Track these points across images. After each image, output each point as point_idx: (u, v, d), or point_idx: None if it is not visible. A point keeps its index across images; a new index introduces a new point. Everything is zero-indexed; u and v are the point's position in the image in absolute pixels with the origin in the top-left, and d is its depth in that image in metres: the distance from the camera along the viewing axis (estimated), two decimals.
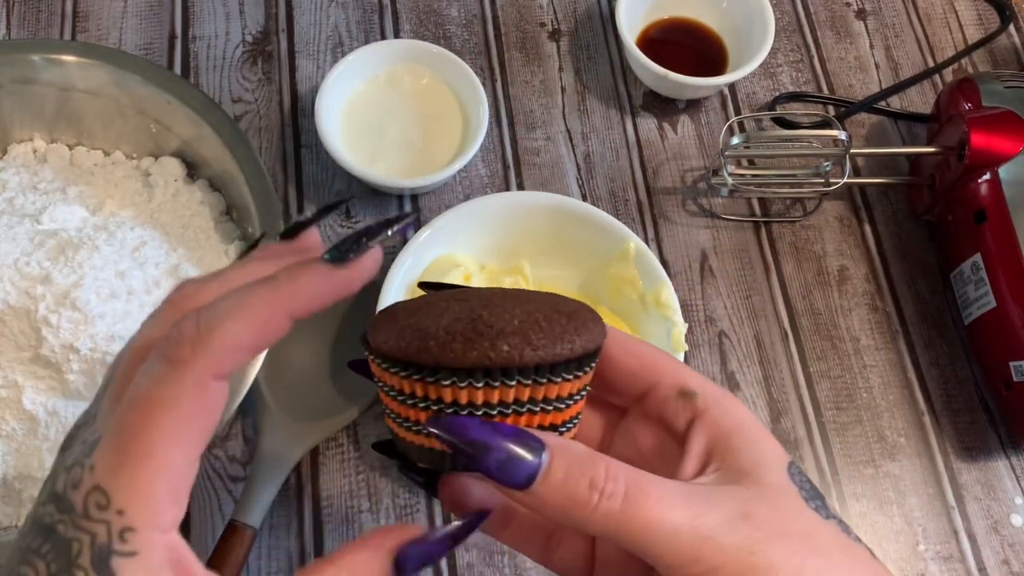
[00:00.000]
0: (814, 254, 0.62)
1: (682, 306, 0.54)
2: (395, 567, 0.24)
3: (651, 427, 0.28)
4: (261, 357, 0.45)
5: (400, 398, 0.25)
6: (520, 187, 0.62)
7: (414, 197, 0.60)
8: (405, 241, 0.51)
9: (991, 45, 0.70)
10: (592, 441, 0.30)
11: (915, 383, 0.58)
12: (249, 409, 0.53)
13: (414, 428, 0.25)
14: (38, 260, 0.47)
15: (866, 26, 0.70)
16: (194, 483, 0.22)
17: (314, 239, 0.25)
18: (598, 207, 0.56)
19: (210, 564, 0.47)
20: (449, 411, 0.24)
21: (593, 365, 0.26)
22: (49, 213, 0.50)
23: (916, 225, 0.63)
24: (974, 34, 0.71)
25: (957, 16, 0.71)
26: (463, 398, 0.24)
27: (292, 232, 0.25)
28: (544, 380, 0.24)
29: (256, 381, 0.45)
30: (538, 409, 0.25)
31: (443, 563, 0.51)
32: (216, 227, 0.53)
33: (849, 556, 0.24)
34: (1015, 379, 0.53)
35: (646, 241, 0.60)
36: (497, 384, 0.24)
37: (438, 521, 0.52)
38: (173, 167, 0.54)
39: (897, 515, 0.55)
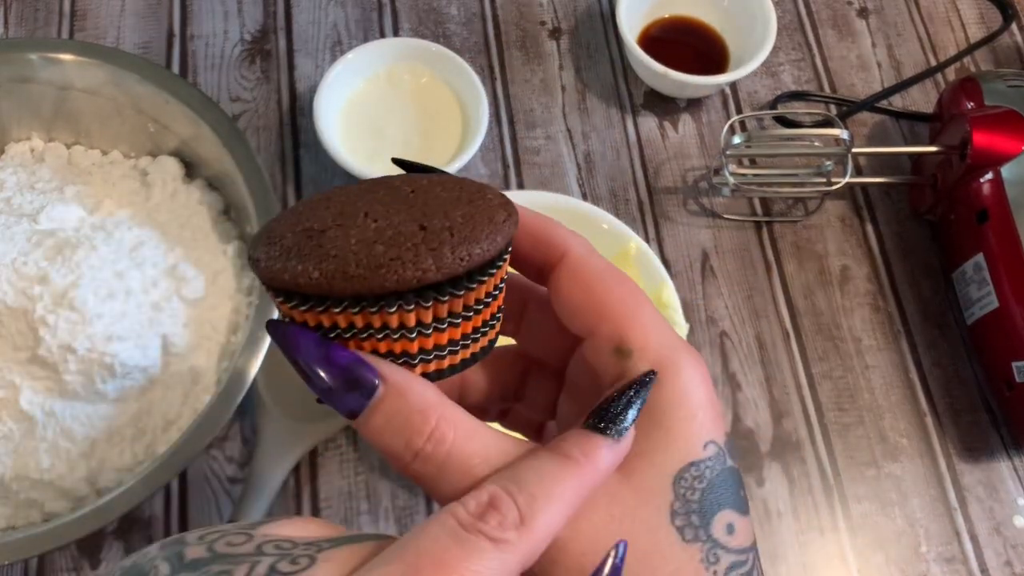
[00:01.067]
0: (816, 254, 0.61)
1: (683, 306, 0.53)
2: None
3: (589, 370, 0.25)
4: (260, 356, 0.45)
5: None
6: (520, 186, 0.61)
7: None
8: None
9: (993, 44, 0.70)
10: (554, 353, 0.27)
11: (917, 384, 0.58)
12: (248, 410, 0.52)
13: None
14: (36, 260, 0.46)
15: (868, 25, 0.70)
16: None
17: None
18: (599, 206, 0.56)
19: None
20: (276, 318, 0.22)
21: (502, 263, 0.23)
22: (47, 213, 0.50)
23: (918, 225, 0.63)
24: (976, 33, 0.71)
25: (959, 15, 0.71)
26: (341, 322, 0.22)
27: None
28: (428, 304, 0.21)
29: (255, 382, 0.45)
30: (429, 331, 0.22)
31: None
32: (214, 227, 0.53)
33: None
34: (1017, 379, 0.53)
35: (647, 241, 0.60)
36: (357, 310, 0.21)
37: None
38: (171, 166, 0.54)
39: (899, 516, 0.54)
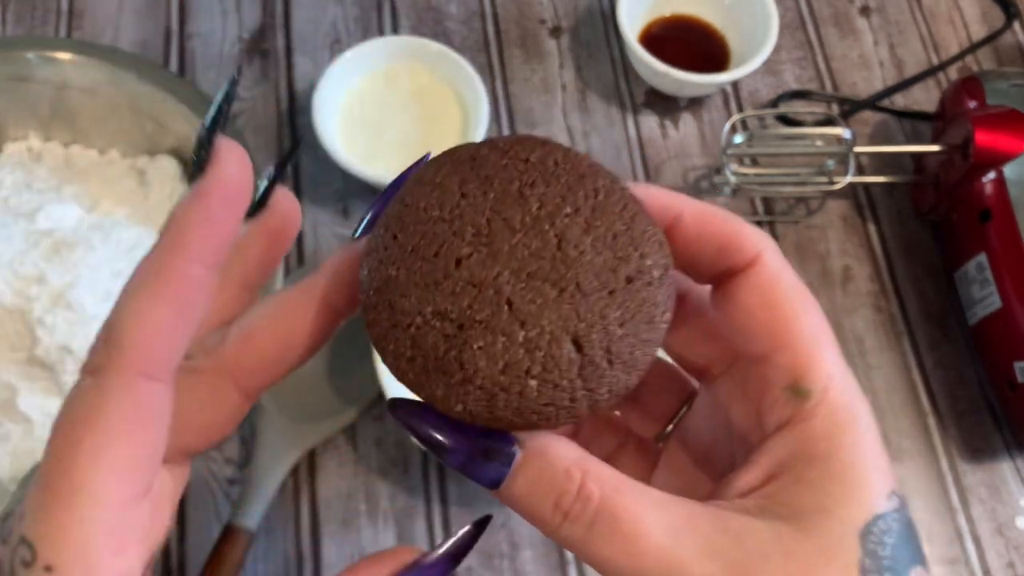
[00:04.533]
0: (818, 254, 0.61)
1: None
2: None
3: (748, 404, 0.22)
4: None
5: None
6: None
7: None
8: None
9: (996, 43, 0.70)
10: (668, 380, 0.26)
11: (919, 384, 0.58)
12: None
13: None
14: (33, 260, 0.46)
15: (870, 23, 0.70)
16: (165, 530, 0.19)
17: (230, 158, 0.19)
18: None
19: (207, 567, 0.47)
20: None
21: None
22: (44, 212, 0.49)
23: (921, 224, 0.63)
24: (978, 31, 0.70)
25: (961, 13, 0.71)
26: None
27: (200, 160, 0.20)
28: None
29: None
30: None
31: None
32: None
33: None
34: (1020, 380, 0.52)
35: None
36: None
37: (437, 525, 0.51)
38: (169, 166, 0.54)
39: None
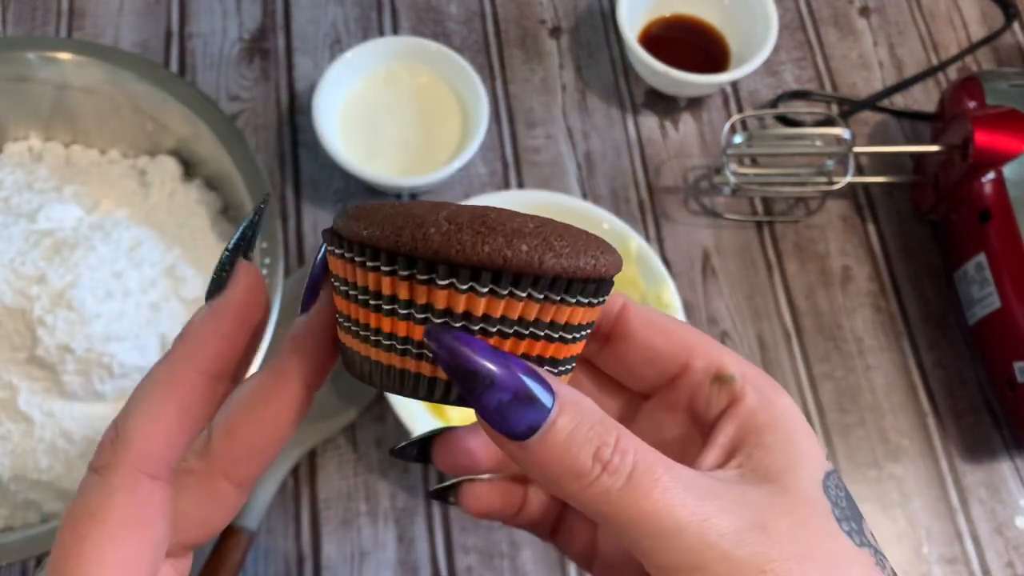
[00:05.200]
0: (817, 254, 0.61)
1: (684, 306, 0.53)
2: None
3: (678, 415, 0.25)
4: (258, 356, 0.45)
5: (374, 303, 0.21)
6: (520, 186, 0.61)
7: (413, 196, 0.60)
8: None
9: (995, 43, 0.70)
10: None
11: (919, 384, 0.58)
12: None
13: (384, 342, 0.21)
14: (33, 260, 0.46)
15: (869, 23, 0.70)
16: None
17: (246, 281, 0.21)
18: (599, 206, 0.56)
19: (207, 567, 0.47)
20: (439, 321, 0.20)
21: (605, 299, 0.23)
22: (45, 212, 0.49)
23: (920, 224, 0.63)
24: (978, 32, 0.70)
25: (961, 14, 0.71)
26: (459, 305, 0.20)
27: (220, 280, 0.22)
28: (558, 298, 0.20)
29: None
30: (542, 335, 0.21)
31: (443, 567, 0.50)
32: (213, 226, 0.53)
33: None
34: (1019, 379, 0.53)
35: (648, 240, 0.60)
36: (504, 293, 0.20)
37: (437, 524, 0.51)
38: (169, 166, 0.54)
39: (901, 517, 0.54)
